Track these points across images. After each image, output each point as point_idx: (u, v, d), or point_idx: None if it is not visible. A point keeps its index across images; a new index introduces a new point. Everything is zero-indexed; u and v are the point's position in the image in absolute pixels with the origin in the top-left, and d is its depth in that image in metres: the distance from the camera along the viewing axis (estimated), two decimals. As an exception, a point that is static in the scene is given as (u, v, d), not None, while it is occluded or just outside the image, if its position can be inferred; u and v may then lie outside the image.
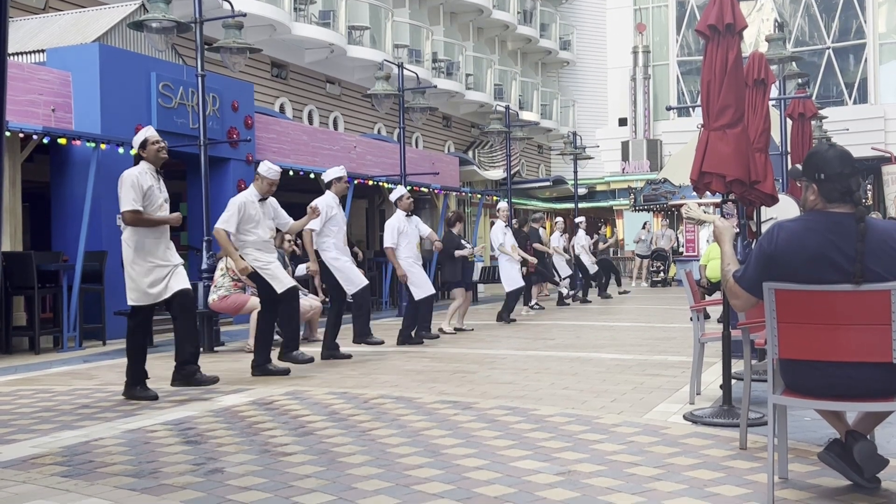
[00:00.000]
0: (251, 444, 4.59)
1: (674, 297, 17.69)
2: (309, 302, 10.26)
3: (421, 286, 9.74)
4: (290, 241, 10.82)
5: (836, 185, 3.41)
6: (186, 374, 6.46)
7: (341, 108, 22.23)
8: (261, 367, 7.31)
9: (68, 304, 9.92)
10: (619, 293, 18.30)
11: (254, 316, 8.45)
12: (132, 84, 11.63)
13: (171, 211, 6.50)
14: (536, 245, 14.72)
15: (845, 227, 3.36)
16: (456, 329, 11.27)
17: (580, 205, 23.96)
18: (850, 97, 32.30)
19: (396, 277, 10.23)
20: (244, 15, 10.91)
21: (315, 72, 21.11)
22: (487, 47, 29.72)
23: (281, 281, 7.36)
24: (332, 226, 8.35)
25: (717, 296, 8.49)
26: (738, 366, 6.17)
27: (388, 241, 9.71)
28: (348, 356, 8.38)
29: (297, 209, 10.15)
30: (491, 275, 21.24)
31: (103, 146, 10.37)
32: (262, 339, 7.44)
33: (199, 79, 10.09)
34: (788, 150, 11.45)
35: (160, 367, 7.30)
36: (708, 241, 19.58)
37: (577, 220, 18.29)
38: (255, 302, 8.72)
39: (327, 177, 8.54)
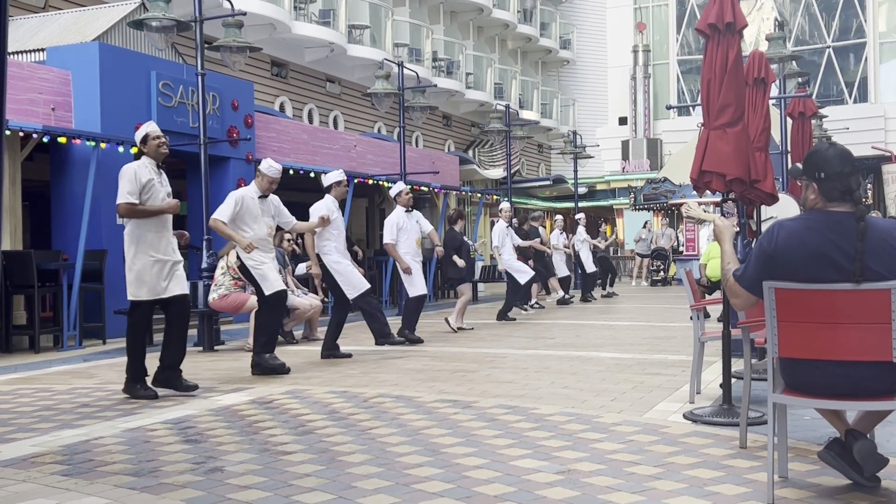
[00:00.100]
0: (251, 443, 4.59)
1: (674, 296, 17.69)
2: (309, 301, 10.26)
3: (415, 284, 9.73)
4: (289, 240, 10.83)
5: (837, 184, 3.41)
6: (168, 378, 6.40)
7: (341, 107, 22.23)
8: (259, 366, 7.31)
9: (68, 302, 9.92)
10: (603, 295, 18.16)
11: (254, 315, 8.45)
12: (132, 83, 11.63)
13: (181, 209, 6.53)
14: (536, 245, 14.73)
15: (845, 226, 3.36)
16: (457, 328, 11.27)
17: (580, 204, 23.98)
18: (850, 96, 32.30)
19: (396, 277, 10.21)
20: (244, 14, 10.91)
21: (315, 71, 21.11)
22: (487, 46, 29.72)
23: (270, 283, 7.31)
24: (333, 229, 8.36)
25: (717, 295, 8.49)
26: (738, 365, 6.18)
27: (387, 238, 9.72)
28: (348, 355, 8.38)
29: (297, 208, 10.15)
30: (491, 274, 21.26)
31: (103, 145, 10.37)
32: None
33: (200, 78, 10.09)
34: (788, 149, 11.45)
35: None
36: (708, 239, 19.58)
37: (577, 216, 18.30)
38: (254, 301, 8.71)
39: (327, 181, 8.54)
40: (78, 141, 10.28)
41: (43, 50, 11.75)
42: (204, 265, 9.75)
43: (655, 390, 6.16)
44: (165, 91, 12.08)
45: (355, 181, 15.32)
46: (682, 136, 29.97)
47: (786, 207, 7.28)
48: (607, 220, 29.06)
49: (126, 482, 3.86)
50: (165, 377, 6.33)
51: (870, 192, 24.93)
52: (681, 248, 24.31)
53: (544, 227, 18.08)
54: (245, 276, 7.61)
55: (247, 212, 7.24)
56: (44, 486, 3.84)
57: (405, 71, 15.13)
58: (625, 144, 33.70)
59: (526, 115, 29.11)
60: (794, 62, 11.99)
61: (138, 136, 6.40)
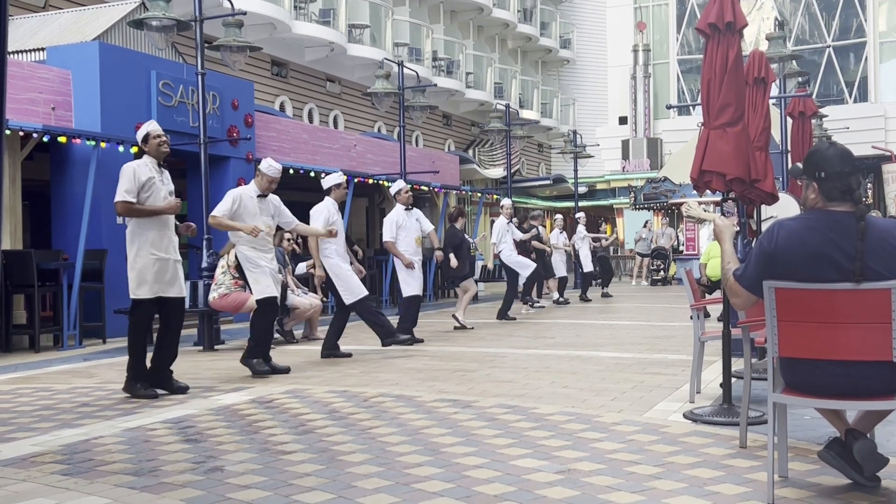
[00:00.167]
0: (251, 442, 4.59)
1: (674, 295, 17.69)
2: (309, 300, 10.27)
3: (409, 284, 9.71)
4: (289, 239, 10.82)
5: (837, 183, 3.41)
6: (159, 379, 6.38)
7: (341, 106, 22.22)
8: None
9: (68, 302, 9.92)
10: (601, 295, 18.13)
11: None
12: (132, 82, 11.62)
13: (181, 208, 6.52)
14: (535, 243, 14.74)
15: (845, 226, 3.36)
16: (456, 327, 11.29)
17: (580, 203, 23.98)
18: (850, 96, 32.30)
19: (396, 276, 10.18)
20: (244, 13, 10.90)
21: (315, 70, 21.11)
22: (487, 46, 29.72)
23: (261, 288, 7.27)
24: None
25: (718, 294, 8.49)
26: (738, 364, 6.17)
27: (386, 236, 9.71)
28: (348, 355, 8.38)
29: (297, 207, 10.14)
30: (491, 274, 21.27)
31: (103, 144, 10.37)
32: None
33: (200, 77, 10.09)
34: (789, 148, 11.45)
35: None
36: (708, 239, 19.58)
37: (578, 215, 18.32)
38: (255, 301, 8.71)
39: (326, 183, 8.52)
40: (78, 140, 10.28)
41: (43, 49, 11.74)
42: (204, 264, 9.75)
43: (655, 390, 6.16)
44: (165, 90, 12.07)
45: (355, 181, 15.32)
46: (683, 135, 29.97)
47: (786, 207, 7.28)
48: (607, 219, 29.06)
49: (126, 482, 3.86)
50: (156, 378, 6.33)
51: (870, 192, 24.94)
52: (681, 248, 24.31)
53: (544, 227, 18.07)
54: (241, 276, 7.59)
55: (244, 210, 7.23)
56: (44, 485, 3.84)
57: (405, 70, 15.14)
58: (625, 144, 33.70)
59: (526, 114, 29.11)
60: (794, 62, 11.99)
61: (139, 134, 6.41)
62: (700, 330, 5.72)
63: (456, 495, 3.55)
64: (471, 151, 27.79)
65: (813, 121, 11.67)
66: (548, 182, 30.78)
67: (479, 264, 18.13)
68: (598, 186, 32.70)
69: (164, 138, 6.40)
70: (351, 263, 8.90)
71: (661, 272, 22.93)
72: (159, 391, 6.24)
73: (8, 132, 9.60)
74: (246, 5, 14.73)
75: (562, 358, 8.14)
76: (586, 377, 6.84)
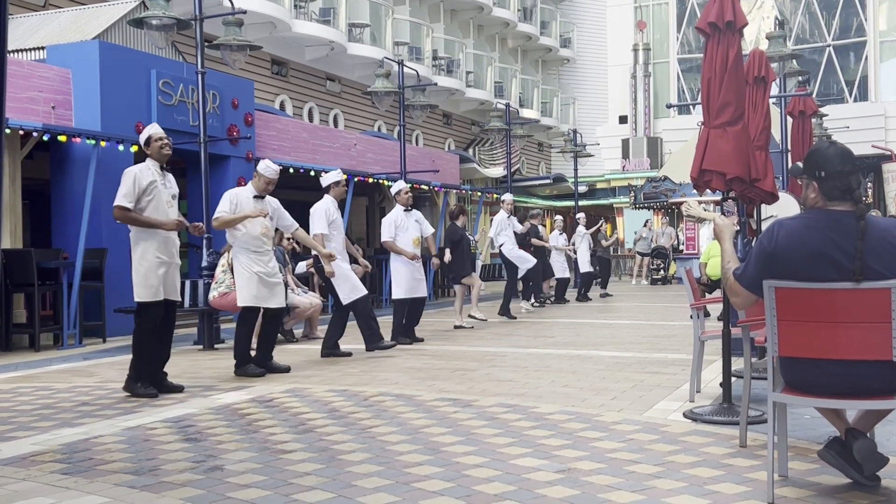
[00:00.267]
0: (251, 441, 4.59)
1: (674, 294, 17.69)
2: (309, 300, 10.27)
3: (400, 285, 9.68)
4: (289, 238, 10.82)
5: (837, 182, 3.41)
6: (155, 382, 6.37)
7: (341, 105, 22.22)
8: (262, 364, 7.30)
9: (68, 301, 9.92)
10: (600, 295, 18.11)
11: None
12: (132, 81, 11.62)
13: (181, 208, 6.53)
14: (535, 241, 14.74)
15: (845, 225, 3.36)
16: (456, 326, 11.29)
17: (580, 202, 23.98)
18: (850, 95, 32.30)
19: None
20: (244, 12, 10.90)
21: (315, 69, 21.11)
22: (488, 45, 29.72)
23: (243, 295, 7.27)
24: (333, 229, 8.33)
25: (718, 293, 8.49)
26: (738, 364, 6.18)
27: (384, 236, 9.69)
28: (348, 354, 8.38)
29: (297, 207, 10.16)
30: (491, 273, 21.28)
31: (103, 143, 10.37)
32: (260, 337, 7.46)
33: (200, 76, 10.08)
34: (789, 147, 11.45)
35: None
36: (708, 239, 19.58)
37: (578, 216, 18.32)
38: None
39: (325, 181, 8.52)
40: (78, 139, 10.28)
41: (43, 48, 11.74)
42: (204, 263, 9.75)
43: (655, 389, 6.16)
44: (165, 89, 12.07)
45: (355, 180, 15.32)
46: (683, 134, 29.98)
47: (786, 206, 7.28)
48: (608, 218, 29.06)
49: (126, 481, 3.85)
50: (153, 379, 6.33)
51: (870, 191, 24.93)
52: (681, 247, 24.32)
53: (544, 226, 18.07)
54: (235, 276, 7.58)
55: (242, 211, 7.23)
56: (43, 484, 3.84)
57: (405, 69, 15.13)
58: (625, 143, 33.70)
59: (526, 113, 29.11)
60: (794, 61, 11.98)
61: (142, 137, 6.43)
62: (700, 329, 5.72)
63: (456, 494, 3.55)
64: (471, 150, 27.79)
65: (813, 120, 11.67)
66: (548, 181, 30.78)
67: (478, 263, 18.11)
68: (598, 186, 32.71)
69: (167, 141, 6.40)
70: (355, 262, 8.89)
71: (661, 271, 22.94)
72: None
73: (8, 131, 9.60)
74: (246, 4, 14.73)
75: (562, 357, 8.14)
76: (586, 376, 6.84)
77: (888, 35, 32.04)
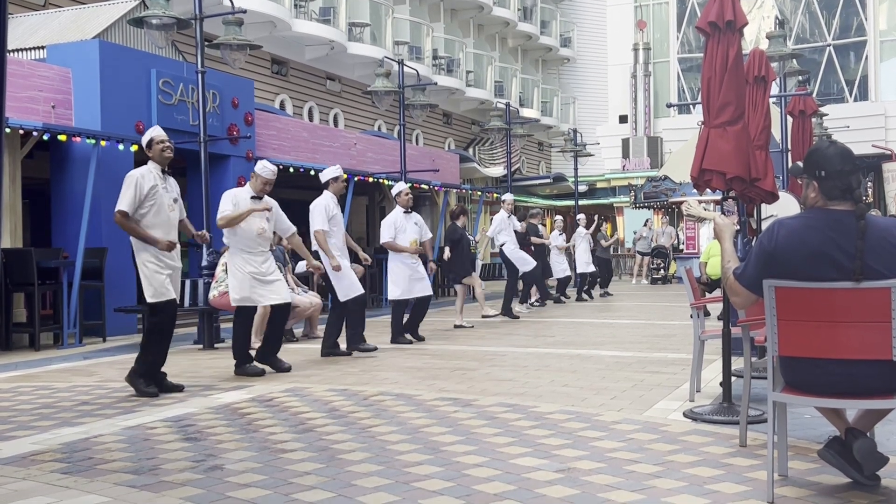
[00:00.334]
0: (251, 440, 4.59)
1: (674, 294, 17.69)
2: (309, 299, 10.27)
3: (398, 285, 9.68)
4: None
5: (837, 182, 3.41)
6: (154, 381, 6.39)
7: (341, 104, 22.22)
8: (265, 359, 7.32)
9: (68, 300, 9.93)
10: (600, 294, 18.10)
11: (257, 312, 8.43)
12: (132, 81, 11.62)
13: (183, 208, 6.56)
14: (534, 239, 14.76)
15: (846, 225, 3.35)
16: (456, 326, 11.30)
17: (580, 202, 23.98)
18: (850, 94, 32.30)
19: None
20: (244, 11, 10.90)
21: (315, 68, 21.10)
22: (488, 44, 29.71)
23: (234, 295, 7.29)
24: (333, 226, 8.32)
25: (718, 293, 8.48)
26: (738, 363, 6.18)
27: (384, 237, 9.70)
28: (348, 353, 8.38)
29: (297, 206, 10.17)
30: (491, 272, 21.27)
31: (103, 143, 10.37)
32: (266, 332, 7.50)
33: (200, 75, 10.08)
34: (789, 147, 11.45)
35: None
36: (708, 238, 19.58)
37: (578, 217, 18.33)
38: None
39: (324, 176, 8.51)
40: (78, 139, 10.28)
41: (43, 48, 11.74)
42: (204, 263, 9.75)
43: (655, 388, 6.16)
44: (165, 89, 12.07)
45: (355, 179, 15.31)
46: (683, 134, 29.98)
47: (786, 206, 7.28)
48: (608, 218, 29.05)
49: (126, 480, 3.85)
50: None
51: (870, 191, 24.93)
52: (681, 247, 24.32)
53: (544, 225, 18.08)
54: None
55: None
56: (43, 483, 3.84)
57: (405, 69, 15.12)
58: (625, 142, 33.70)
59: (526, 113, 29.11)
60: (794, 60, 11.98)
61: (144, 140, 6.44)
62: (700, 328, 5.72)
63: (455, 494, 3.55)
64: (471, 150, 27.79)
65: (813, 119, 11.67)
66: (548, 181, 30.76)
67: (478, 262, 18.10)
68: (599, 185, 32.70)
69: (168, 144, 6.40)
70: (356, 260, 8.89)
71: (662, 271, 22.94)
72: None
73: (8, 130, 9.60)
74: (246, 3, 14.72)
75: (562, 356, 8.14)
76: (586, 376, 6.84)
77: (888, 34, 32.03)
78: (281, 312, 7.42)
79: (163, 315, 6.26)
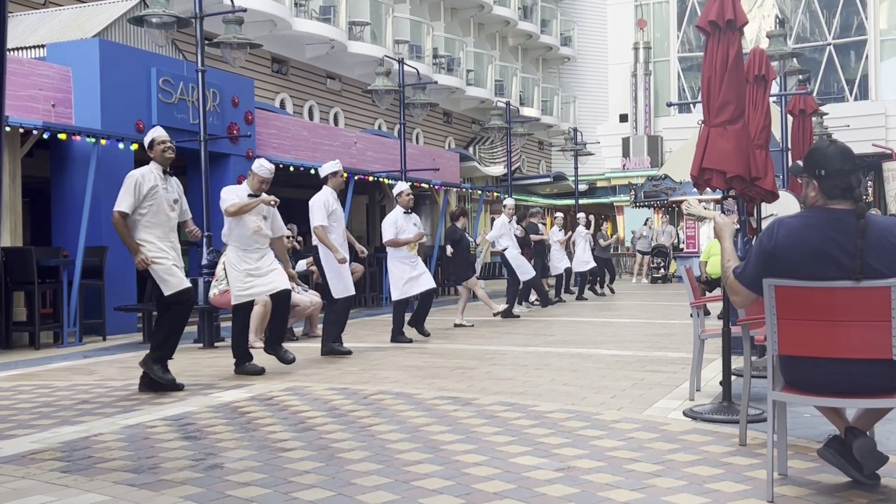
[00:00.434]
0: (251, 439, 4.59)
1: (674, 293, 17.68)
2: (309, 298, 10.27)
3: (396, 286, 9.68)
4: (289, 237, 10.82)
5: (837, 181, 3.41)
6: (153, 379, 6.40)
7: (342, 103, 22.22)
8: (270, 347, 7.36)
9: (68, 299, 9.93)
10: (598, 293, 18.08)
11: (256, 311, 8.43)
12: (132, 79, 11.62)
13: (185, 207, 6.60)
14: (533, 236, 14.77)
15: (846, 224, 3.35)
16: (456, 325, 11.31)
17: (581, 201, 23.98)
18: (850, 94, 32.30)
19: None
20: (244, 10, 10.91)
21: (315, 67, 21.10)
22: (488, 43, 29.71)
23: (233, 293, 7.30)
24: (333, 221, 8.32)
25: (718, 292, 8.48)
26: (737, 362, 6.18)
27: (386, 236, 9.70)
28: (348, 352, 8.37)
29: (297, 205, 10.16)
30: (491, 271, 21.26)
31: (103, 141, 10.37)
32: (269, 322, 7.60)
33: (200, 74, 10.07)
34: (789, 146, 11.45)
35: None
36: (709, 238, 19.57)
37: (578, 216, 18.33)
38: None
39: (323, 171, 8.51)
40: (78, 137, 10.28)
41: (43, 46, 11.74)
42: (204, 262, 9.75)
43: (655, 387, 6.16)
44: (166, 88, 12.07)
45: (356, 178, 15.31)
46: (683, 133, 29.98)
47: (786, 205, 7.28)
48: (608, 217, 29.05)
49: (125, 479, 3.85)
50: (153, 378, 6.34)
51: (870, 190, 24.93)
52: (681, 246, 24.32)
53: (544, 224, 18.08)
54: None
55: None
56: (43, 482, 3.84)
57: (406, 68, 15.12)
58: (625, 141, 33.69)
59: (526, 112, 29.10)
60: (794, 59, 11.98)
61: (145, 140, 6.47)
62: (700, 328, 5.72)
63: (455, 493, 3.55)
64: (471, 149, 27.78)
65: (813, 119, 11.67)
66: (548, 180, 30.76)
67: (478, 261, 18.10)
68: (599, 184, 32.71)
69: (170, 144, 6.41)
70: (355, 258, 8.89)
71: (662, 270, 22.93)
72: (151, 391, 6.27)
73: (8, 129, 9.60)
74: (246, 2, 14.72)
75: (562, 355, 8.14)
76: (586, 375, 6.84)
77: (889, 34, 32.02)
78: (281, 301, 7.40)
79: (184, 305, 6.34)
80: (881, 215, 3.70)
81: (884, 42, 31.98)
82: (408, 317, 9.87)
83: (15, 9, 13.62)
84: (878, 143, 27.44)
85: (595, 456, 4.11)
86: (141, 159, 6.59)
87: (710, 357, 6.62)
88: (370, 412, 5.29)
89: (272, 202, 7.29)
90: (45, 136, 9.97)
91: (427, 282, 9.74)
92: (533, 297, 14.95)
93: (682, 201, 20.22)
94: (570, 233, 17.40)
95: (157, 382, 6.29)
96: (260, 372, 7.08)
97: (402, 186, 10.05)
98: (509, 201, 13.45)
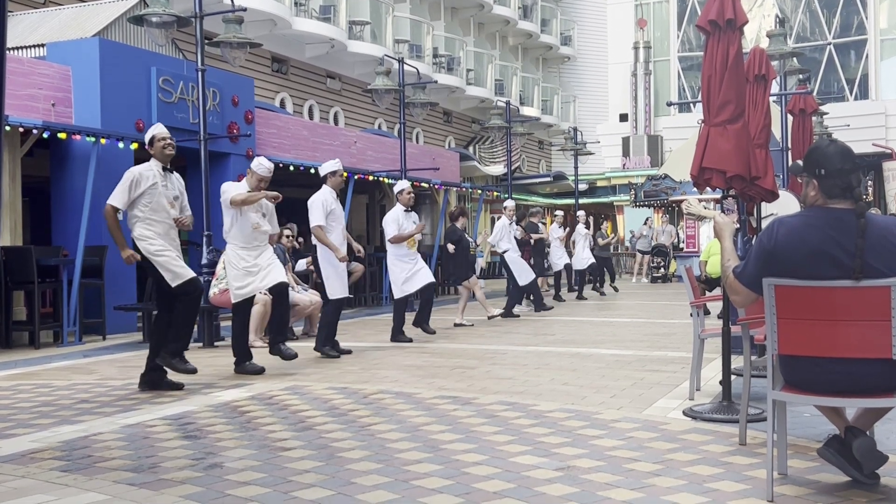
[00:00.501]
0: (250, 438, 4.59)
1: (674, 292, 17.68)
2: (309, 297, 10.27)
3: (396, 283, 9.69)
4: (289, 236, 10.82)
5: (837, 181, 3.41)
6: (156, 377, 6.40)
7: (342, 103, 22.21)
8: (272, 346, 7.35)
9: (68, 298, 9.92)
10: (601, 292, 18.06)
11: (255, 310, 8.43)
12: (132, 79, 11.61)
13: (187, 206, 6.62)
14: (532, 235, 14.78)
15: (845, 223, 3.35)
16: (456, 325, 11.31)
17: (581, 200, 23.97)
18: (850, 93, 32.30)
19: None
20: (244, 10, 10.89)
21: (315, 67, 21.09)
22: (488, 42, 29.70)
23: (233, 292, 7.30)
24: (332, 221, 8.30)
25: (718, 292, 8.48)
26: (737, 362, 6.18)
27: (390, 232, 9.71)
28: (348, 352, 8.37)
29: (297, 204, 10.15)
30: (491, 271, 21.28)
31: (103, 141, 10.36)
32: (270, 318, 7.59)
33: (200, 73, 10.07)
34: (789, 145, 11.44)
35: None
36: (708, 237, 19.57)
37: (578, 213, 18.34)
38: (255, 297, 8.69)
39: (323, 170, 8.51)
40: (78, 137, 10.27)
41: (43, 45, 11.73)
42: (204, 261, 9.74)
43: (655, 387, 6.16)
44: (165, 87, 12.06)
45: (356, 177, 15.31)
46: (683, 132, 29.96)
47: (786, 204, 7.28)
48: (608, 216, 29.05)
49: (125, 478, 3.85)
50: (152, 377, 6.35)
51: (870, 189, 24.93)
52: (681, 245, 24.32)
53: (544, 223, 18.08)
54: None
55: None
56: (42, 481, 3.84)
57: (406, 67, 15.12)
58: (625, 141, 33.68)
59: (526, 111, 29.09)
60: (794, 59, 11.97)
61: (146, 137, 6.47)
62: (700, 327, 5.72)
63: (455, 492, 3.55)
64: (471, 148, 27.78)
65: (813, 118, 11.66)
66: (548, 179, 30.75)
67: (479, 261, 18.10)
68: (599, 184, 32.69)
69: (170, 141, 6.41)
70: (351, 261, 8.89)
71: (662, 269, 22.93)
72: (151, 390, 6.28)
73: (8, 128, 9.59)
74: (246, 2, 14.70)
75: (562, 355, 8.14)
76: (586, 374, 6.84)
77: (889, 33, 32.02)
78: (279, 295, 7.39)
79: (194, 295, 6.36)
80: (881, 215, 3.70)
81: (884, 41, 31.97)
82: (410, 317, 9.88)
83: (15, 8, 13.62)
84: (878, 143, 27.44)
85: (595, 455, 4.11)
86: (141, 158, 6.60)
87: (709, 356, 6.62)
88: (370, 411, 5.29)
89: (273, 199, 7.29)
90: (45, 135, 9.97)
91: (425, 276, 9.73)
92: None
93: (682, 201, 20.21)
94: (567, 229, 17.41)
95: (157, 381, 6.31)
96: (260, 371, 7.08)
97: (403, 184, 10.05)
98: (510, 203, 13.44)
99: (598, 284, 17.95)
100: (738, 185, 5.10)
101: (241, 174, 12.91)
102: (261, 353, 7.61)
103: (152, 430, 4.87)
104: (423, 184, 17.70)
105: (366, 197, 20.48)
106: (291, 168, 13.94)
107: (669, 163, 26.68)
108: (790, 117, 11.09)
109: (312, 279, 11.46)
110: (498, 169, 26.20)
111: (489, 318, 12.08)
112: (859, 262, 3.29)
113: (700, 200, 14.28)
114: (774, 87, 9.44)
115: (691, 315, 5.86)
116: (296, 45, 20.16)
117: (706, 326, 5.86)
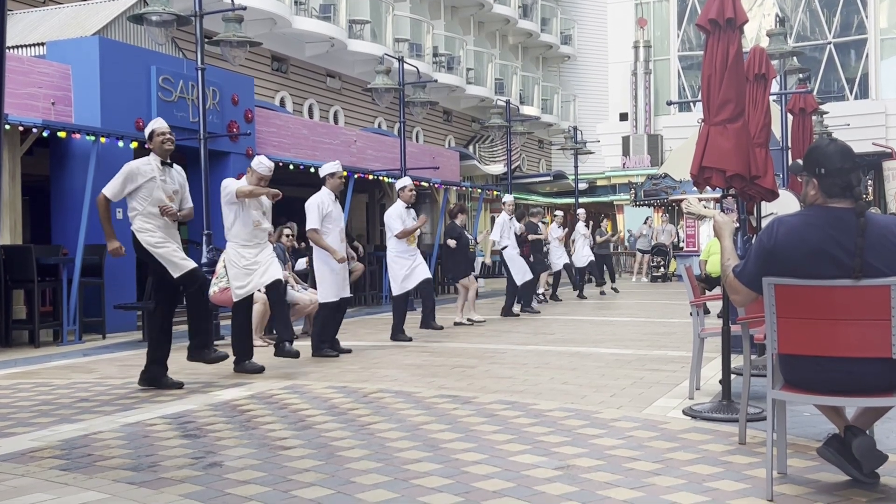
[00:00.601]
0: (250, 437, 4.59)
1: (674, 292, 17.68)
2: (309, 296, 10.26)
3: (396, 281, 9.69)
4: (289, 235, 10.82)
5: (837, 180, 3.41)
6: (154, 375, 6.40)
7: (342, 102, 22.20)
8: (276, 345, 7.36)
9: (68, 297, 9.92)
10: (601, 291, 18.04)
11: (255, 309, 8.43)
12: (132, 77, 11.61)
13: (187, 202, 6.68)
14: (531, 235, 14.76)
15: (845, 222, 3.35)
16: (456, 323, 11.30)
17: (581, 200, 23.97)
18: (850, 92, 32.29)
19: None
20: (244, 8, 10.89)
21: (315, 66, 21.08)
22: (488, 41, 29.68)
23: (234, 291, 7.30)
24: (329, 223, 8.26)
25: (717, 291, 8.48)
26: (737, 361, 6.18)
27: (395, 229, 9.71)
28: (347, 351, 8.37)
29: (297, 204, 10.14)
30: (491, 270, 21.27)
31: (103, 139, 10.36)
32: (271, 317, 7.54)
33: (199, 72, 10.06)
34: (789, 145, 11.44)
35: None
36: (709, 236, 19.57)
37: (578, 212, 18.34)
38: (255, 296, 8.69)
39: (322, 172, 8.51)
40: (78, 135, 10.27)
41: (43, 44, 11.73)
42: (204, 260, 9.74)
43: (655, 386, 6.16)
44: (165, 86, 12.06)
45: (355, 176, 15.31)
46: (683, 131, 29.96)
47: (786, 203, 7.28)
48: (608, 215, 29.04)
49: (125, 477, 3.85)
50: (152, 374, 6.35)
51: (870, 189, 24.93)
52: (681, 244, 24.33)
53: (545, 223, 18.07)
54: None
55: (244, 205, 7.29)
56: (42, 480, 3.84)
57: (406, 66, 15.12)
58: (625, 140, 33.67)
59: (526, 110, 29.08)
60: (794, 58, 11.97)
61: (146, 132, 6.48)
62: (700, 326, 5.72)
63: (455, 491, 3.55)
64: (471, 147, 27.77)
65: (813, 117, 11.67)
66: (548, 178, 30.74)
67: (478, 260, 18.09)
68: (599, 183, 32.68)
69: (169, 136, 6.43)
70: (350, 260, 8.88)
71: (662, 269, 22.93)
72: (151, 386, 6.28)
73: (7, 127, 9.59)
74: (246, 1, 14.70)
75: (561, 354, 8.14)
76: (586, 373, 6.84)
77: (889, 33, 32.01)
78: (275, 291, 7.38)
79: (199, 286, 6.40)
80: (881, 214, 3.70)
81: (884, 41, 31.97)
82: (412, 318, 9.88)
83: (15, 6, 13.61)
84: (878, 142, 27.44)
85: (594, 454, 4.11)
86: (141, 157, 6.59)
87: (709, 356, 6.62)
88: (370, 410, 5.29)
89: (273, 196, 7.27)
90: (45, 134, 9.96)
91: (422, 272, 9.74)
92: (541, 290, 14.96)
93: (681, 200, 20.22)
94: (567, 229, 17.40)
95: (157, 380, 6.31)
96: (259, 370, 7.08)
97: (405, 181, 10.06)
98: (508, 198, 13.44)
99: (596, 281, 17.94)
100: (737, 185, 5.10)
101: (241, 173, 12.92)
102: (261, 353, 7.60)
103: (152, 429, 4.87)
104: (422, 183, 17.69)
105: (366, 196, 20.47)
106: (291, 167, 13.93)
107: (669, 162, 26.69)
108: (790, 116, 11.09)
109: (312, 278, 11.47)
110: (498, 168, 26.20)
111: (467, 319, 11.53)
112: (859, 261, 3.29)
113: (700, 199, 14.26)
114: (774, 87, 9.44)
115: (691, 314, 5.86)
116: (296, 44, 20.15)
117: (706, 325, 5.86)
